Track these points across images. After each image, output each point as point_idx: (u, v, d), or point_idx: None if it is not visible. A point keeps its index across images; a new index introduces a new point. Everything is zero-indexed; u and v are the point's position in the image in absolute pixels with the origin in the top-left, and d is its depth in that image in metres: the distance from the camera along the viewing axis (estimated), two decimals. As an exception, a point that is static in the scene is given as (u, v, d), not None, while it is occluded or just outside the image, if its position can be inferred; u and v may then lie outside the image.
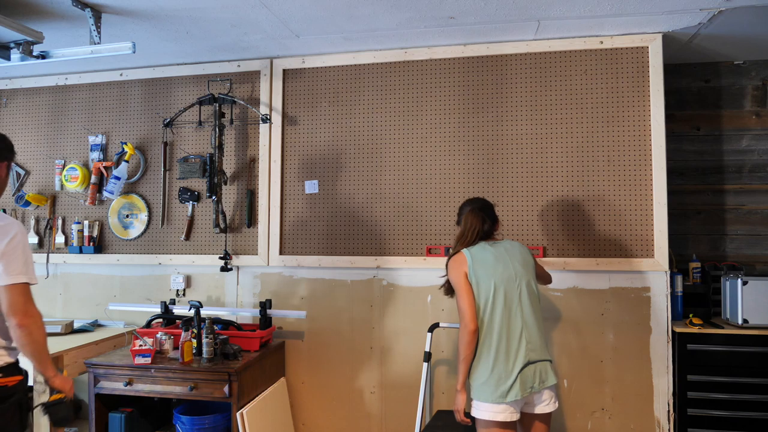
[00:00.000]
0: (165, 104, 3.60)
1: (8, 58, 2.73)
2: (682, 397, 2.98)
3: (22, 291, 1.95)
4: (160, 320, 3.30)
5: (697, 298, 3.30)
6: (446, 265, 2.43)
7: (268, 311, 3.22)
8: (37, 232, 3.72)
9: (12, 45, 2.70)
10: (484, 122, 3.22)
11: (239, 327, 3.18)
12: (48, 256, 3.67)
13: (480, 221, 2.43)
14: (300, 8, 2.75)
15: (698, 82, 3.52)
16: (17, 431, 2.00)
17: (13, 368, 2.05)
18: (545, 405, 2.28)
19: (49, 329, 2.95)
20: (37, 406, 2.15)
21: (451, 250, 2.47)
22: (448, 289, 2.47)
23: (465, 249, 2.38)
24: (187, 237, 3.49)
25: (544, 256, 3.09)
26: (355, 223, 3.34)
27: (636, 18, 2.86)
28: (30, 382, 2.72)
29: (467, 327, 2.25)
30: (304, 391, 3.39)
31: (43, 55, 2.79)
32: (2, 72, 3.72)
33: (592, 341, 3.08)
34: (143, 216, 3.58)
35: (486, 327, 2.27)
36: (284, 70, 3.45)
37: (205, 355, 2.83)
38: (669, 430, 2.99)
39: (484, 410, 2.21)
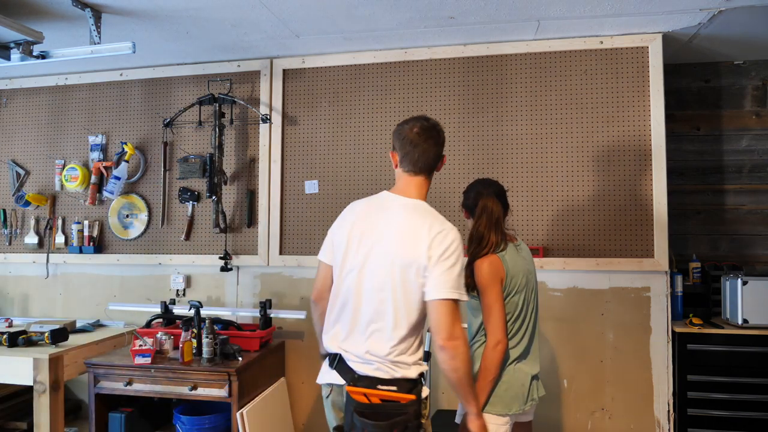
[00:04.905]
0: (165, 104, 3.60)
1: (8, 58, 2.73)
2: (682, 397, 2.98)
3: (450, 309, 1.75)
4: (160, 320, 3.30)
5: (697, 298, 3.31)
6: (473, 265, 2.09)
7: (268, 311, 3.22)
8: (37, 232, 3.72)
9: (12, 45, 2.70)
10: (484, 122, 3.21)
11: (239, 327, 3.18)
12: (48, 256, 3.67)
13: (502, 210, 2.15)
14: (300, 8, 2.75)
15: (698, 82, 3.52)
16: None
17: (411, 384, 1.81)
18: (529, 415, 2.24)
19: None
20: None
21: (471, 245, 2.12)
22: (471, 288, 2.12)
23: (500, 254, 2.09)
24: (187, 237, 3.48)
25: (544, 256, 3.09)
26: (355, 223, 3.33)
27: (636, 18, 2.86)
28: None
29: (501, 343, 2.02)
30: (304, 391, 3.39)
31: (43, 55, 2.79)
32: (2, 72, 3.71)
33: (592, 341, 3.08)
34: (143, 216, 3.58)
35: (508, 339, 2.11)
36: (284, 70, 3.45)
37: (205, 355, 2.83)
38: (669, 430, 2.99)
39: (488, 423, 2.07)
